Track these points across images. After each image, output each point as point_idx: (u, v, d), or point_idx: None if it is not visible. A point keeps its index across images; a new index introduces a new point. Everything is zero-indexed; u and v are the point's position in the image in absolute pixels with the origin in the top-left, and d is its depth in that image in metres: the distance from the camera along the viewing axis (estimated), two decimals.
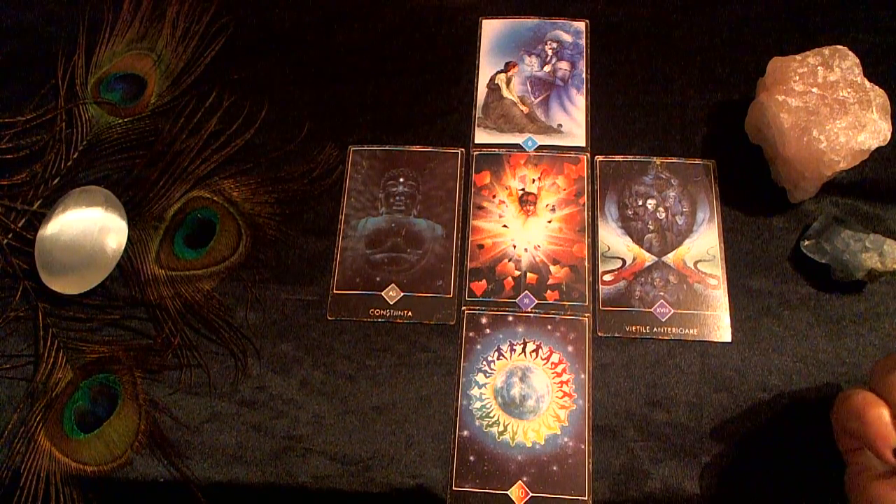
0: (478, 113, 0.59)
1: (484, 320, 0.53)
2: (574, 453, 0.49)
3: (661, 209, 0.55)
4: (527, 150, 0.57)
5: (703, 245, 0.54)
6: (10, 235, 0.56)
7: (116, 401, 0.51)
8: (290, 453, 0.50)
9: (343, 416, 0.51)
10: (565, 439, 0.49)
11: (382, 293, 0.54)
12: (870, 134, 0.49)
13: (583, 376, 0.51)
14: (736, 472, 0.48)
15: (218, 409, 0.51)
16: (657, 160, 0.56)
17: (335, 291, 0.54)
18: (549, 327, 0.52)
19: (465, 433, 0.50)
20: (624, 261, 0.54)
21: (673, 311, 0.52)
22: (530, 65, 0.60)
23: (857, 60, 0.51)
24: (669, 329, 0.52)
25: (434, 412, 0.51)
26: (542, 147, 0.57)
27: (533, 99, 0.59)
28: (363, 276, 0.54)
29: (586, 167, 0.57)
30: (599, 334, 0.52)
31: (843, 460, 0.44)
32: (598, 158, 0.57)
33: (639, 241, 0.54)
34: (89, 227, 0.55)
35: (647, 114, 0.58)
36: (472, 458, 0.49)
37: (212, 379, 0.52)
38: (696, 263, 0.53)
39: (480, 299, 0.53)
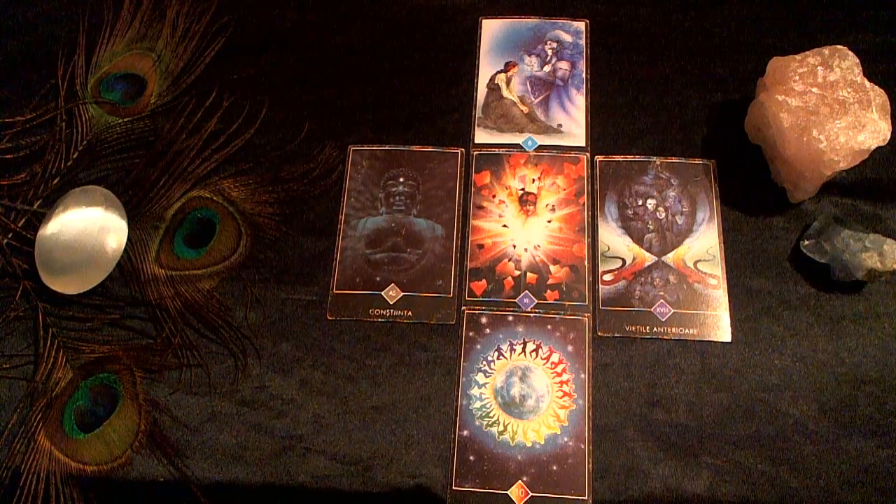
0: (478, 113, 0.59)
1: (484, 320, 0.53)
2: (574, 453, 0.49)
3: (661, 209, 0.55)
4: (527, 150, 0.57)
5: (703, 245, 0.54)
6: (10, 235, 0.56)
7: (116, 401, 0.51)
8: (290, 453, 0.50)
9: (343, 416, 0.51)
10: (565, 439, 0.49)
11: (382, 293, 0.54)
12: (869, 134, 0.49)
13: (583, 376, 0.51)
14: (735, 472, 0.48)
15: (218, 409, 0.51)
16: (657, 160, 0.56)
17: (335, 291, 0.54)
18: (549, 327, 0.52)
19: (465, 433, 0.50)
20: (624, 261, 0.54)
21: (673, 310, 0.52)
22: (530, 65, 0.60)
23: (857, 60, 0.51)
24: (669, 329, 0.52)
25: (434, 412, 0.51)
26: (542, 147, 0.57)
27: (533, 99, 0.59)
28: (363, 276, 0.54)
29: (586, 167, 0.57)
30: (599, 334, 0.52)
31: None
32: (598, 158, 0.57)
33: (639, 240, 0.54)
34: (89, 227, 0.55)
35: (647, 114, 0.58)
36: (472, 457, 0.49)
37: (212, 379, 0.52)
38: (695, 263, 0.53)
39: (480, 299, 0.53)
